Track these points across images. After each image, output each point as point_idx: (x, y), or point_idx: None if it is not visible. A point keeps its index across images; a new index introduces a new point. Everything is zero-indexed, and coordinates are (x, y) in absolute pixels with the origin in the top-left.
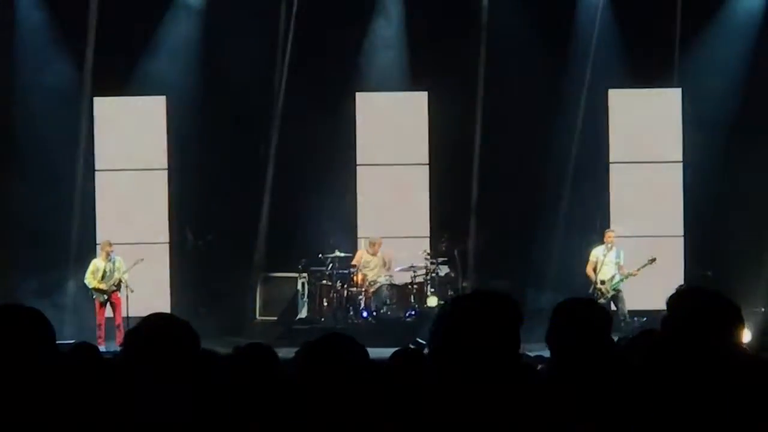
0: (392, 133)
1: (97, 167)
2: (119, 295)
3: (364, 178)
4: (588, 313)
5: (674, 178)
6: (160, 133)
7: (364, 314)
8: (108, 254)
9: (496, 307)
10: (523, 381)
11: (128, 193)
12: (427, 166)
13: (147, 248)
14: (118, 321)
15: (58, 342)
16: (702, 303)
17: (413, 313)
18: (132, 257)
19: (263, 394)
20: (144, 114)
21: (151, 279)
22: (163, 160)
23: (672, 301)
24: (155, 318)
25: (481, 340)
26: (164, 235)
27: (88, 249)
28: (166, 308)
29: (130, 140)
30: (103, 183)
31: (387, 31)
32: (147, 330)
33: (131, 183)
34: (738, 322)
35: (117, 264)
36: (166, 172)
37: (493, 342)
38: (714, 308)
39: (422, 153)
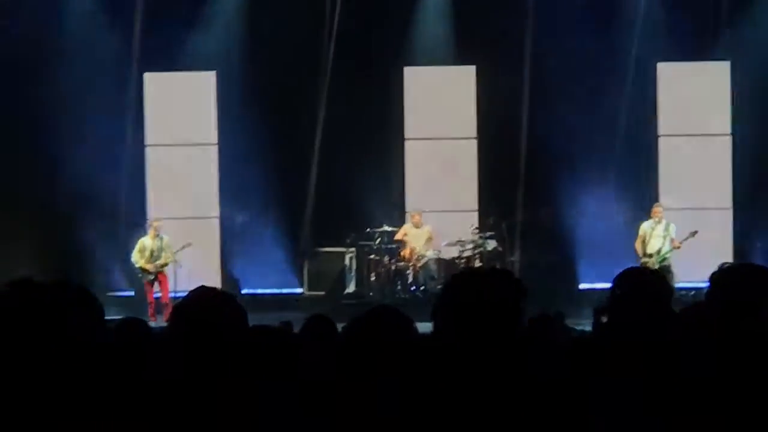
0: (440, 108)
1: (147, 142)
2: (166, 273)
3: (412, 152)
4: (652, 282)
5: (723, 151)
6: (210, 108)
7: (413, 288)
8: (156, 232)
9: (495, 283)
10: (521, 356)
11: (178, 167)
12: (476, 140)
13: (197, 223)
14: (165, 298)
15: (107, 318)
16: (746, 278)
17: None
18: (182, 232)
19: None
20: (194, 89)
21: (201, 254)
22: (213, 135)
23: (715, 276)
24: (201, 292)
25: (479, 317)
26: (215, 210)
27: (139, 223)
28: (216, 283)
29: (181, 115)
30: (153, 158)
31: (435, 4)
32: (193, 304)
33: (181, 158)
34: None
35: (165, 242)
36: (216, 147)
37: (491, 318)
38: (758, 283)
39: (470, 127)
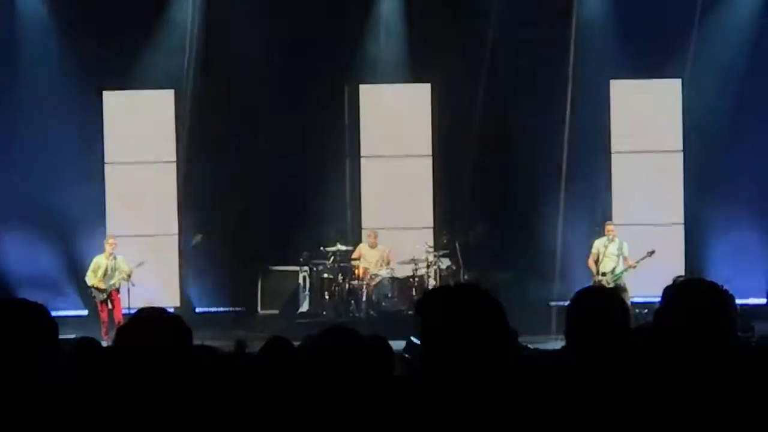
0: (396, 125)
1: (106, 160)
2: (119, 291)
3: (368, 169)
4: (609, 302)
5: (674, 167)
6: (169, 125)
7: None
8: (111, 251)
9: (472, 301)
10: (510, 374)
11: (138, 185)
12: (431, 158)
13: (156, 240)
14: (118, 317)
15: (61, 337)
16: (695, 294)
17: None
18: (141, 249)
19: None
20: (153, 107)
21: (160, 272)
22: (171, 153)
23: (666, 292)
24: (145, 313)
25: (458, 335)
26: (174, 228)
27: (98, 241)
28: (175, 301)
29: (140, 133)
30: (112, 175)
31: (391, 22)
32: (136, 325)
33: (141, 175)
34: (733, 313)
35: (119, 262)
36: (174, 165)
37: (474, 336)
38: (708, 299)
39: (426, 145)
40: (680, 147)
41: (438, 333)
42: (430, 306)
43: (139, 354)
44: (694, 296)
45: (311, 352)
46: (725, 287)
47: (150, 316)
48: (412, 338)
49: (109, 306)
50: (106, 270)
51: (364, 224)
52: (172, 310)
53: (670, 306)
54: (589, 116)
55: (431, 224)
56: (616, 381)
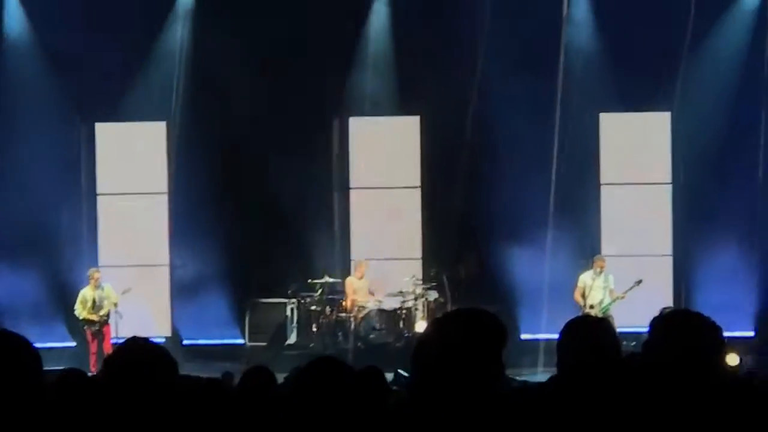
0: (385, 157)
1: (98, 191)
2: (110, 323)
3: (357, 201)
4: (600, 332)
5: (663, 199)
6: (161, 157)
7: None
8: (96, 282)
9: (479, 327)
10: (504, 405)
11: (129, 216)
12: (419, 190)
13: (148, 270)
14: (108, 349)
15: (47, 369)
16: (684, 326)
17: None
18: (132, 280)
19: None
20: (145, 139)
21: (151, 301)
22: (163, 185)
23: (653, 324)
24: (131, 344)
25: (461, 363)
26: (165, 259)
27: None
28: (165, 331)
29: (132, 164)
30: (104, 207)
31: (380, 55)
32: (122, 357)
33: (132, 207)
34: (721, 345)
35: (106, 291)
36: (166, 197)
37: (475, 365)
38: (695, 330)
39: (414, 176)
40: (669, 179)
41: (430, 358)
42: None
43: (124, 385)
44: (681, 328)
45: (298, 382)
46: (712, 319)
47: (136, 347)
48: (399, 371)
49: (97, 340)
50: (94, 301)
51: (353, 255)
52: (162, 340)
53: (658, 338)
54: (578, 148)
55: (420, 255)
56: (607, 410)
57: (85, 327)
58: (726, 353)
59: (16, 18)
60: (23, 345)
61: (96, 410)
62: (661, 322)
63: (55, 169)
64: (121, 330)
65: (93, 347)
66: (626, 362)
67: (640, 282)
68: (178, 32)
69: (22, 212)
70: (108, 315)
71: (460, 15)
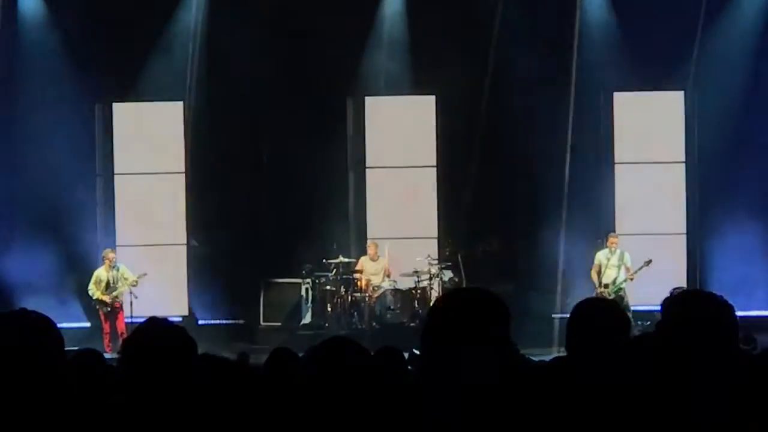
0: (401, 136)
1: (116, 171)
2: (122, 305)
3: (373, 180)
4: (609, 313)
5: (677, 178)
6: (178, 137)
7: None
8: (111, 263)
9: (484, 305)
10: (516, 376)
11: (147, 196)
12: (435, 169)
13: (165, 249)
14: (121, 329)
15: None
16: (695, 306)
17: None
18: (150, 258)
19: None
20: (162, 119)
21: (168, 280)
22: (180, 164)
23: (664, 305)
24: (150, 324)
25: (470, 336)
26: (182, 238)
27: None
28: (183, 311)
29: (149, 144)
30: (122, 186)
31: (393, 35)
32: (142, 337)
33: (150, 186)
34: (734, 324)
35: (121, 272)
36: (183, 176)
37: (484, 338)
38: (708, 310)
39: (431, 155)
40: (683, 158)
41: (440, 335)
42: (438, 309)
43: (143, 366)
44: (693, 308)
45: (312, 362)
46: (726, 298)
47: (154, 326)
48: (414, 350)
49: (110, 320)
50: (108, 282)
51: (369, 235)
52: (179, 319)
53: (670, 319)
54: (592, 127)
55: (436, 234)
56: (617, 391)
57: (98, 307)
58: (739, 332)
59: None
60: (48, 326)
61: (115, 390)
62: (672, 302)
63: (72, 148)
64: (138, 309)
65: (106, 327)
66: (634, 343)
67: (649, 262)
68: (193, 12)
69: (39, 192)
70: (121, 296)
71: None
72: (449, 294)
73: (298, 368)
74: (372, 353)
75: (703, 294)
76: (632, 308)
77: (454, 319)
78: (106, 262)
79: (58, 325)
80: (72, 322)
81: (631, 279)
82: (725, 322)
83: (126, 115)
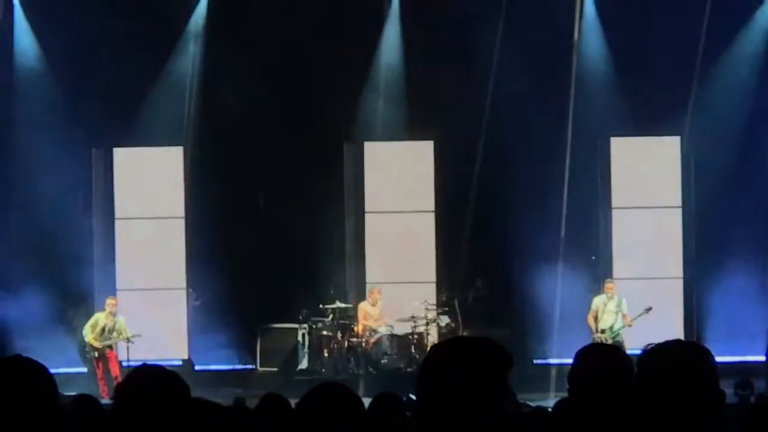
0: (399, 181)
1: (117, 215)
2: (114, 350)
3: (371, 225)
4: (613, 359)
5: (674, 223)
6: (178, 182)
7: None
8: (111, 311)
9: (478, 354)
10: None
11: (147, 240)
12: (433, 214)
13: (165, 294)
14: (116, 373)
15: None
16: (671, 360)
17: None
18: (150, 302)
19: None
20: (162, 164)
21: (168, 324)
22: (180, 209)
23: (640, 361)
24: (143, 370)
25: (462, 389)
26: (181, 282)
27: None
28: (182, 355)
29: (149, 189)
30: (122, 231)
31: (391, 80)
32: (134, 383)
33: (150, 230)
34: (711, 371)
35: (118, 324)
36: (183, 221)
37: (476, 391)
38: (679, 365)
39: (429, 200)
40: (679, 203)
41: (437, 386)
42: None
43: (138, 411)
44: (664, 363)
45: (302, 408)
46: (720, 344)
47: (145, 373)
48: (411, 395)
49: (101, 364)
50: (103, 328)
51: (367, 279)
52: (179, 363)
53: (644, 377)
54: (589, 173)
55: (434, 279)
56: None
57: (86, 349)
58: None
59: (27, 45)
60: (39, 370)
61: None
62: (644, 360)
63: (72, 193)
64: (137, 354)
65: (99, 373)
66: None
67: (649, 309)
68: (189, 57)
69: (39, 236)
70: (114, 346)
71: (472, 41)
72: (443, 346)
73: (288, 414)
74: (370, 399)
75: (670, 347)
76: (629, 353)
77: (447, 374)
78: (107, 308)
79: (55, 370)
80: (69, 367)
81: (629, 325)
82: (702, 371)
83: (126, 159)
